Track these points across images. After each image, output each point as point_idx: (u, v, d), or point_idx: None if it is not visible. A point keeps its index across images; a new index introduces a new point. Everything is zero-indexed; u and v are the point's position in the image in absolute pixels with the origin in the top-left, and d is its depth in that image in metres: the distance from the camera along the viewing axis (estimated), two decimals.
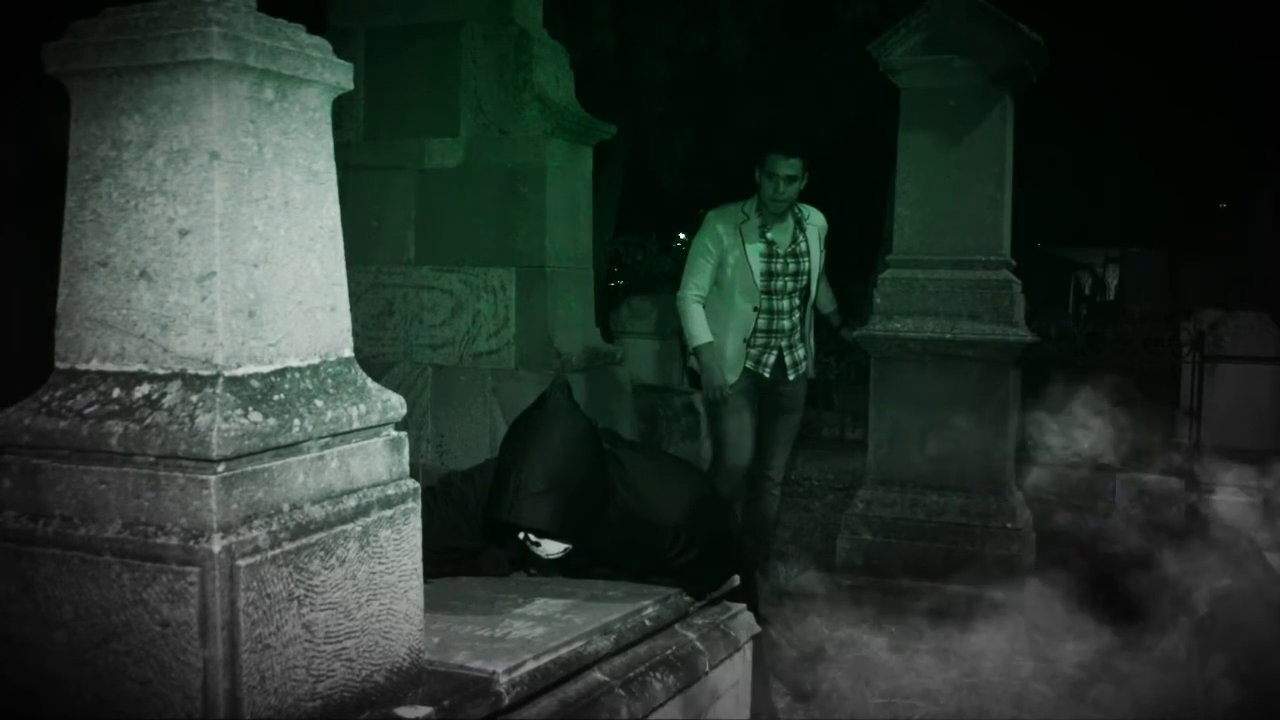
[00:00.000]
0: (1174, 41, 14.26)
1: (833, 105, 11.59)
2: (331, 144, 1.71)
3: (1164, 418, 6.97)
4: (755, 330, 4.51)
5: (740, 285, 4.46)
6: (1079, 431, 5.02)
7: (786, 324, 4.55)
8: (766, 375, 4.55)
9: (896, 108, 4.81)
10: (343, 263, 1.73)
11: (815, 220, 4.64)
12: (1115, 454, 5.68)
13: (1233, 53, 13.48)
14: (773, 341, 4.54)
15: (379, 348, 4.84)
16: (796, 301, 4.56)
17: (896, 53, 4.70)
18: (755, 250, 4.46)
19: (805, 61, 11.66)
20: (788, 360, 4.58)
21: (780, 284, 4.51)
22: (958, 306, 4.65)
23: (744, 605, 2.61)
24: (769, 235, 4.49)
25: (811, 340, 4.74)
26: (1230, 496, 5.17)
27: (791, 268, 4.53)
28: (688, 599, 2.44)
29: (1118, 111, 16.62)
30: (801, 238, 4.55)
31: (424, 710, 1.71)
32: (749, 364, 4.52)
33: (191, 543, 1.44)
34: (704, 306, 4.49)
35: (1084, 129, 16.75)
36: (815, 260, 4.59)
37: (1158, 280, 14.81)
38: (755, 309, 4.49)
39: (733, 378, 4.50)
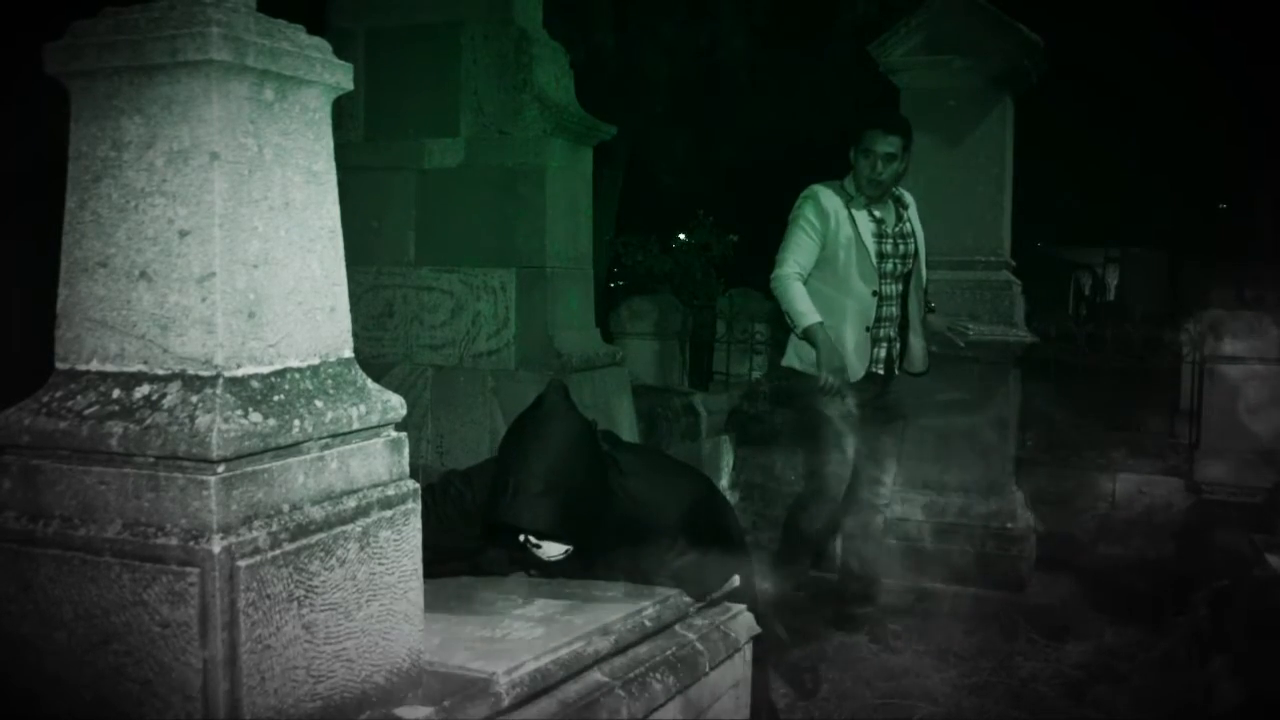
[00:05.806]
0: (1174, 42, 14.27)
1: (831, 105, 11.62)
2: (331, 145, 1.71)
3: (1163, 418, 6.98)
4: (878, 319, 3.98)
5: (858, 267, 3.94)
6: None
7: (895, 311, 4.04)
8: (881, 372, 4.03)
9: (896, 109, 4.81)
10: (343, 263, 1.73)
11: (911, 200, 4.20)
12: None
13: (1233, 53, 13.49)
14: (882, 333, 4.01)
15: (379, 348, 4.83)
16: (901, 288, 4.05)
17: (896, 53, 4.71)
18: (868, 228, 3.96)
19: (805, 61, 11.66)
20: (894, 355, 4.06)
21: (890, 266, 4.01)
22: (958, 307, 4.66)
23: (744, 606, 2.60)
24: (876, 214, 4.01)
25: (921, 330, 4.18)
26: (1230, 497, 5.17)
27: (901, 249, 4.04)
28: (688, 600, 2.44)
29: (1118, 112, 16.63)
30: (906, 216, 4.10)
31: (424, 711, 1.71)
32: (870, 364, 3.99)
33: (191, 543, 1.44)
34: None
35: (1084, 129, 16.76)
36: (921, 241, 4.15)
37: (1158, 280, 14.82)
38: (874, 293, 3.96)
39: (859, 372, 3.94)
